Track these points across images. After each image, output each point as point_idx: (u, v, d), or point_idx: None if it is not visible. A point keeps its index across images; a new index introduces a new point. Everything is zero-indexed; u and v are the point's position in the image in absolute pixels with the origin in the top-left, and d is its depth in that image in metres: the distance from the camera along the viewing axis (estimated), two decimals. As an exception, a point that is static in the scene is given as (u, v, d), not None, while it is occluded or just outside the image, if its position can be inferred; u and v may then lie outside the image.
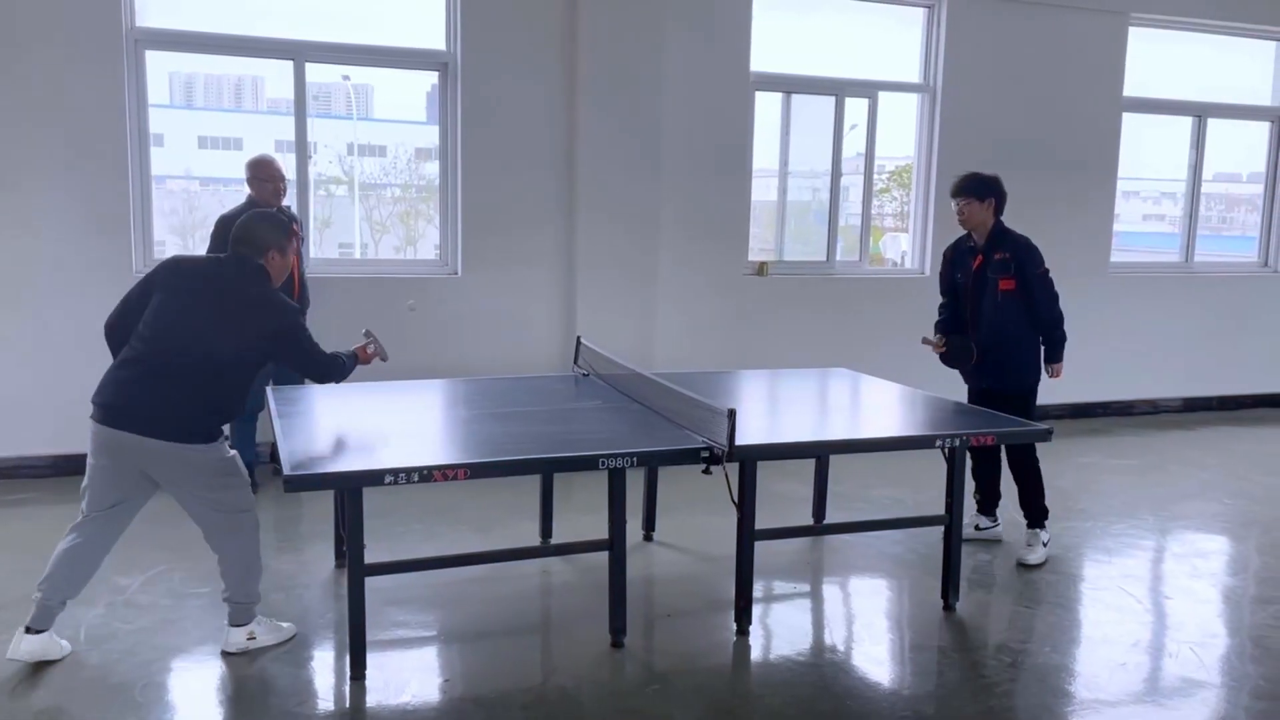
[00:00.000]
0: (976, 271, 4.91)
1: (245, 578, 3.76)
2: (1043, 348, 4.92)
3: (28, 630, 3.60)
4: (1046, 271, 4.84)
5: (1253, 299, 8.62)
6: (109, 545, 3.73)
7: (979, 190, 4.88)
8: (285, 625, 3.92)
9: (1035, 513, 4.94)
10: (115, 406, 3.54)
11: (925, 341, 5.05)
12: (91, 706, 3.38)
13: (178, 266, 3.79)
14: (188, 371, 3.52)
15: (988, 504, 5.18)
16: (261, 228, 3.80)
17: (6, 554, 4.67)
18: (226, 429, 3.96)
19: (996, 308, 4.85)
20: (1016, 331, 4.85)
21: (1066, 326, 4.91)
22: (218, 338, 3.56)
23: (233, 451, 3.75)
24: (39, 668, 3.58)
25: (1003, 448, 5.02)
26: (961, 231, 5.04)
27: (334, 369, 3.91)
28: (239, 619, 3.77)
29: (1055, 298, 4.86)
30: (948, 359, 5.05)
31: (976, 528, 5.10)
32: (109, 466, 3.59)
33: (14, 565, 4.51)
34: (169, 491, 3.64)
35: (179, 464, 3.54)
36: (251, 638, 3.77)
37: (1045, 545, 4.89)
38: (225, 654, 3.73)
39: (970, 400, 5.04)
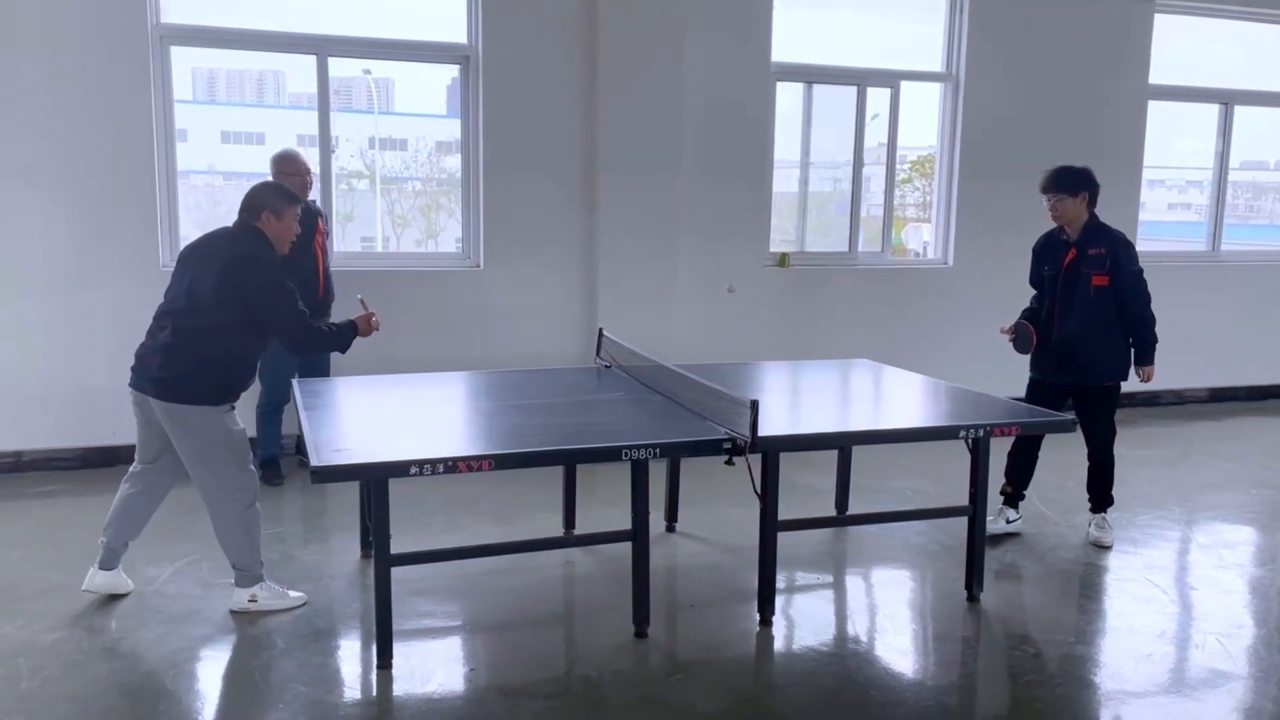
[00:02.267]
0: (1069, 266, 4.81)
1: (239, 547, 3.96)
2: (1131, 350, 4.85)
3: (100, 568, 4.07)
4: (1141, 271, 4.78)
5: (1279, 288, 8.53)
6: (161, 495, 4.12)
7: (1071, 184, 4.77)
8: (294, 594, 4.07)
9: (1103, 499, 5.01)
10: (134, 369, 3.94)
11: (1002, 331, 5.08)
12: (122, 695, 3.43)
13: (192, 243, 4.05)
14: (182, 333, 3.81)
15: (1018, 497, 5.15)
16: (256, 191, 3.99)
17: (38, 545, 4.73)
18: (244, 414, 4.05)
19: (1088, 303, 4.76)
20: (1106, 328, 4.78)
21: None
22: (203, 295, 3.80)
23: (240, 427, 3.92)
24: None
25: (1086, 441, 4.98)
26: (1050, 225, 4.95)
27: (313, 337, 3.96)
28: (240, 582, 4.02)
29: (1148, 298, 4.78)
30: (1018, 345, 5.03)
31: (1007, 520, 5.10)
32: (141, 422, 4.00)
33: (45, 556, 4.58)
34: (177, 451, 3.92)
35: (173, 422, 3.84)
36: (253, 600, 4.00)
37: (1111, 529, 5.00)
38: (232, 611, 3.99)
39: (1031, 394, 4.98)
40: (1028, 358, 5.07)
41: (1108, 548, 4.89)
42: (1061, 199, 4.78)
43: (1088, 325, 4.78)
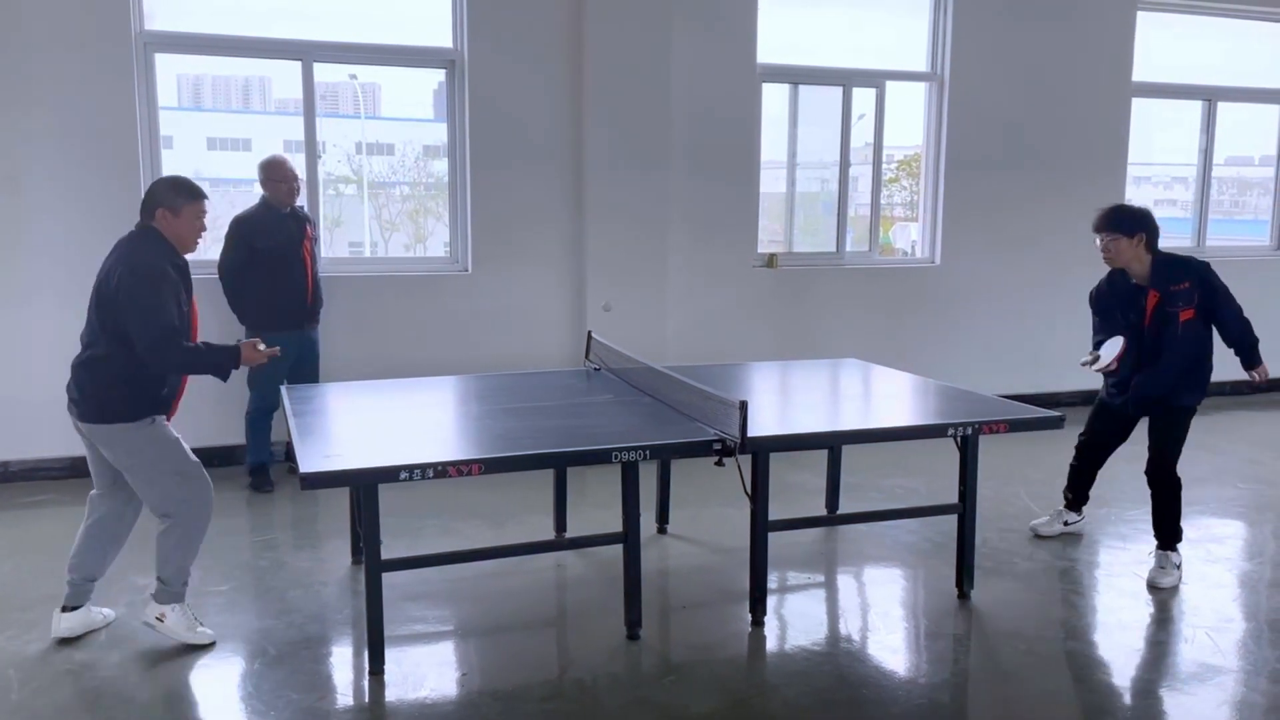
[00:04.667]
0: (1155, 311, 4.48)
1: (167, 561, 3.77)
2: (1239, 357, 4.61)
3: (64, 609, 3.82)
4: (1225, 285, 4.53)
5: (1265, 283, 8.54)
6: (124, 525, 3.91)
7: (1127, 226, 4.46)
8: (204, 630, 3.83)
9: (1168, 534, 4.62)
10: (68, 397, 3.77)
11: (1085, 365, 4.69)
12: (113, 705, 3.42)
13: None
14: (91, 351, 3.68)
15: (1079, 503, 5.08)
16: (154, 186, 3.79)
17: (26, 555, 4.71)
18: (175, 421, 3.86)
19: (1178, 341, 4.46)
20: (1198, 360, 4.53)
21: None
22: (100, 305, 3.65)
23: (172, 436, 3.75)
24: (67, 656, 3.62)
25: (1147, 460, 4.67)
26: (1104, 268, 4.66)
27: (173, 351, 3.58)
28: (158, 597, 3.80)
29: (1239, 304, 4.55)
30: (1102, 363, 4.63)
31: (1065, 523, 5.04)
32: (86, 446, 3.83)
33: (34, 566, 4.56)
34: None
35: (102, 443, 3.71)
36: (161, 618, 3.78)
37: (1179, 569, 4.58)
38: (143, 622, 3.82)
39: (1099, 413, 4.86)
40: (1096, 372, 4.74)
41: (1163, 590, 4.45)
42: (1116, 239, 4.46)
43: (1181, 360, 4.48)
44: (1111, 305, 4.66)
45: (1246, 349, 4.58)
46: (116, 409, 3.65)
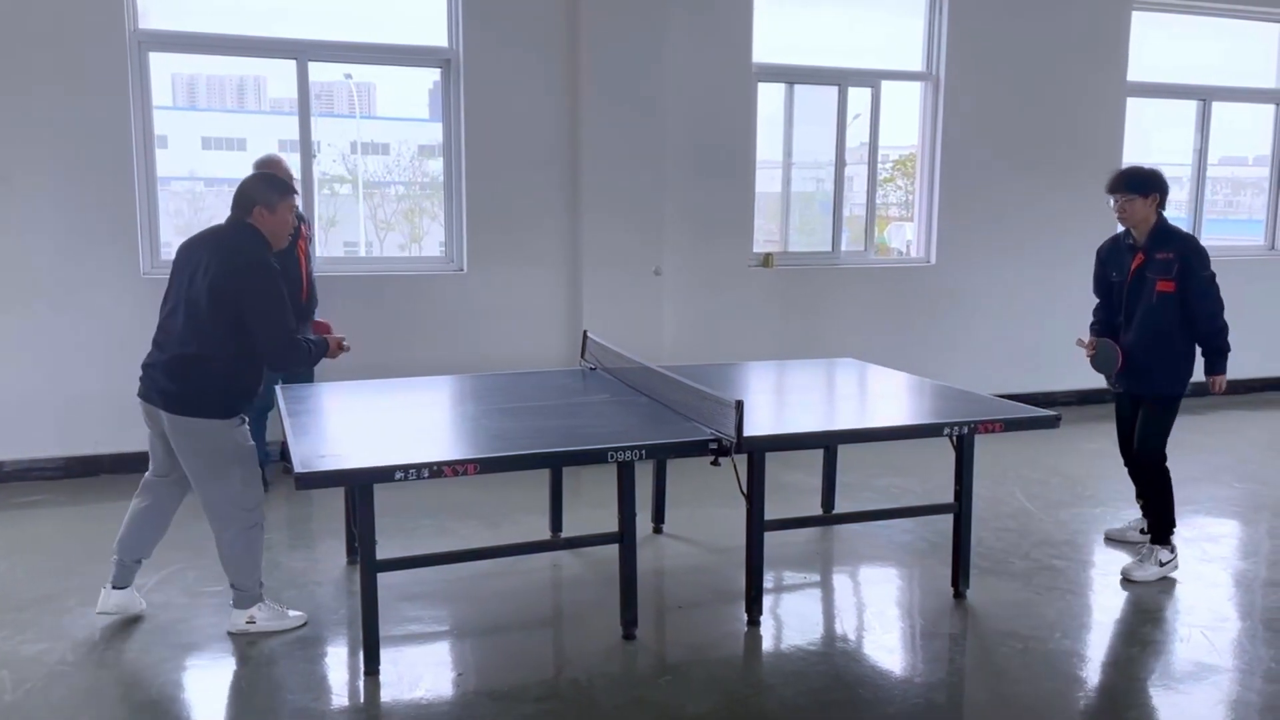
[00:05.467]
0: (1135, 271, 4.54)
1: (238, 567, 3.84)
2: (1202, 359, 4.57)
3: (113, 587, 3.94)
4: (1213, 276, 4.49)
5: (1260, 282, 8.59)
6: (171, 511, 4.01)
7: (1140, 186, 4.48)
8: (294, 614, 3.97)
9: (1157, 527, 4.62)
10: (142, 379, 3.82)
11: (1079, 343, 4.82)
12: (107, 706, 3.41)
13: (186, 243, 3.92)
14: (186, 343, 3.69)
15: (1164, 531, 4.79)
16: (247, 184, 3.84)
17: (21, 555, 4.69)
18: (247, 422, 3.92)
19: (1150, 310, 4.48)
20: (1168, 337, 4.49)
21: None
22: (200, 302, 3.66)
23: (250, 443, 3.81)
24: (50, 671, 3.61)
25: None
26: (1117, 228, 4.70)
27: (297, 350, 3.77)
28: (239, 603, 3.88)
29: (1220, 305, 4.49)
30: (1096, 363, 4.75)
31: (1142, 530, 4.87)
32: (151, 434, 3.89)
33: (30, 566, 4.54)
34: (183, 465, 3.80)
35: (181, 436, 3.72)
36: (251, 621, 3.87)
37: (1163, 565, 4.54)
38: (230, 634, 3.86)
39: (1118, 406, 4.81)
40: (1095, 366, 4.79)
41: (1135, 582, 4.48)
42: (1131, 199, 4.48)
43: (1153, 334, 4.49)
44: (1105, 263, 4.75)
45: (1209, 352, 4.56)
46: (214, 405, 3.69)
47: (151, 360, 3.79)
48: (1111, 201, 4.56)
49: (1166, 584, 4.52)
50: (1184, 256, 4.45)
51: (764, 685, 3.65)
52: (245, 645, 3.81)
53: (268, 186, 3.81)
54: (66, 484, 5.81)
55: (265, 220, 3.76)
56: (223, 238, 3.79)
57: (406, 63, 6.61)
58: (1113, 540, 5.00)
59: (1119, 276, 4.65)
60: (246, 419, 3.84)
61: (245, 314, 3.64)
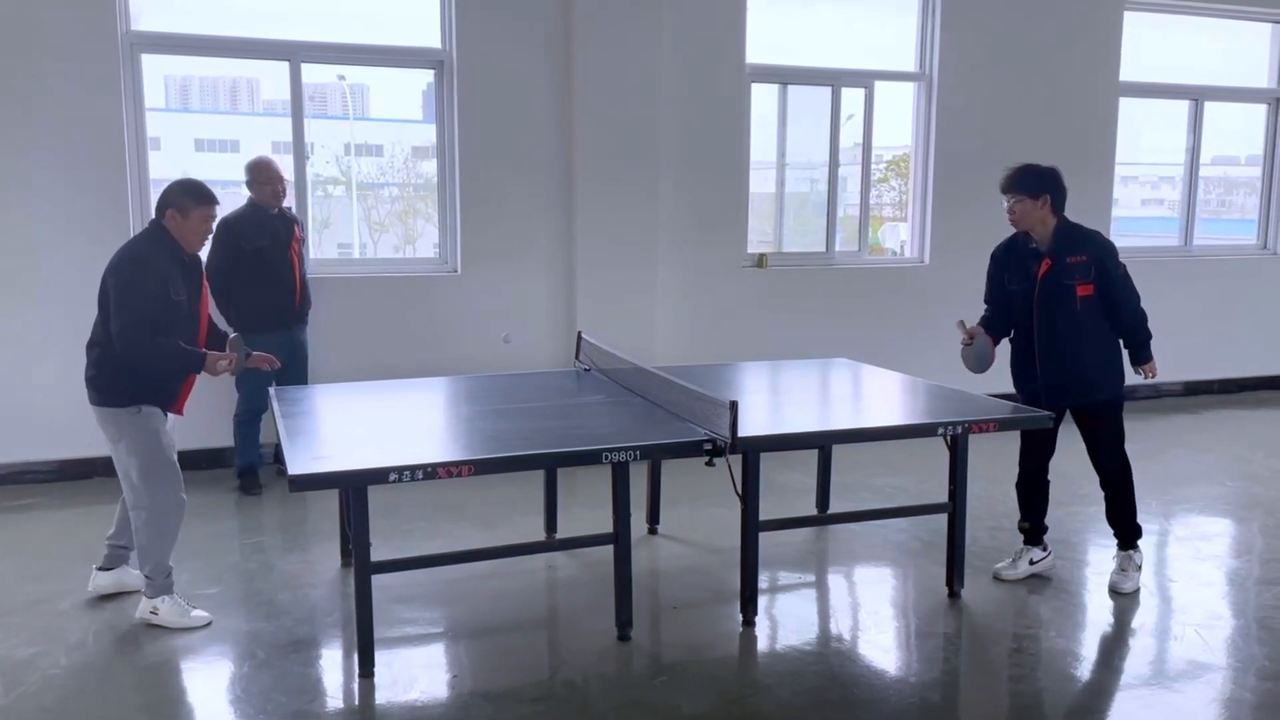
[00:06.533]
0: (1044, 279, 4.25)
1: (144, 556, 3.93)
2: (1125, 351, 4.39)
3: (100, 569, 4.16)
4: (1125, 270, 4.29)
5: (1253, 281, 8.62)
6: None
7: (1031, 185, 4.22)
8: (197, 614, 3.98)
9: (1126, 532, 4.46)
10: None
11: (959, 326, 4.50)
12: (100, 708, 3.40)
13: None
14: (95, 334, 3.90)
15: (1036, 533, 4.57)
16: (169, 187, 3.95)
17: (14, 559, 4.68)
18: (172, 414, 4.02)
19: (1075, 318, 4.22)
20: (1101, 341, 4.30)
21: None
22: (100, 296, 3.85)
23: (154, 434, 3.86)
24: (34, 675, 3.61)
25: (1096, 459, 4.44)
26: (1010, 230, 4.42)
27: (141, 348, 3.70)
28: (146, 591, 3.97)
29: (1138, 296, 4.33)
30: (967, 356, 4.44)
31: (1031, 561, 4.53)
32: None
33: (21, 569, 4.53)
34: None
35: (99, 423, 3.90)
36: (154, 612, 3.94)
37: (1139, 569, 4.44)
38: (140, 619, 3.95)
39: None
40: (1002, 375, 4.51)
41: (1125, 594, 4.34)
42: (1020, 200, 4.23)
43: (1083, 341, 4.25)
44: (1003, 268, 4.45)
45: (1134, 345, 4.40)
46: (105, 392, 3.85)
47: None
48: (1004, 202, 4.31)
49: (1162, 584, 4.54)
50: (1098, 258, 4.24)
51: (759, 685, 3.65)
52: (238, 647, 3.80)
53: (184, 192, 3.90)
54: (61, 486, 5.80)
55: (176, 223, 3.87)
56: (129, 239, 4.02)
57: (400, 64, 6.60)
58: (1003, 581, 4.50)
59: (1019, 285, 4.34)
60: (146, 408, 3.84)
61: (104, 299, 3.80)
